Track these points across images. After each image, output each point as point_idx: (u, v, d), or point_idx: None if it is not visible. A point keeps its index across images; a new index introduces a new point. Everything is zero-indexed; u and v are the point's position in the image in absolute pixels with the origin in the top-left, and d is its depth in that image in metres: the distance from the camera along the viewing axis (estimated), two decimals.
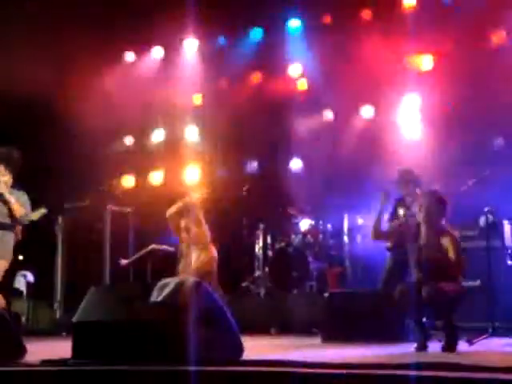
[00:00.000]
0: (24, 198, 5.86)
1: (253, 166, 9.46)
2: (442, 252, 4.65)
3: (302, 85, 9.05)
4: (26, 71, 7.36)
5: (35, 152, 7.48)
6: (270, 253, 8.29)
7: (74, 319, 4.02)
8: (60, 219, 8.56)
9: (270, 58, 9.13)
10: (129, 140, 9.73)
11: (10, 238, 5.79)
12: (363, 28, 8.40)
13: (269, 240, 8.40)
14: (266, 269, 8.19)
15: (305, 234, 8.14)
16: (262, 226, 8.42)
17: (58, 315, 8.32)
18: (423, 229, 4.81)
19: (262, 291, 8.00)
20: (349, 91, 8.27)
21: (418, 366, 3.33)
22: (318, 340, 5.86)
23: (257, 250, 8.43)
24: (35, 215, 7.92)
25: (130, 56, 9.57)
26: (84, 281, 8.28)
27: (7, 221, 5.76)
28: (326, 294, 6.12)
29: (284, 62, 9.14)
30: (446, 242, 4.70)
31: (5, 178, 5.75)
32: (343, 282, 7.81)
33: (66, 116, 8.15)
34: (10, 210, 5.72)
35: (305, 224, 8.23)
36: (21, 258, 7.97)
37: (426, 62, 8.29)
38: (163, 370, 3.55)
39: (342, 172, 8.12)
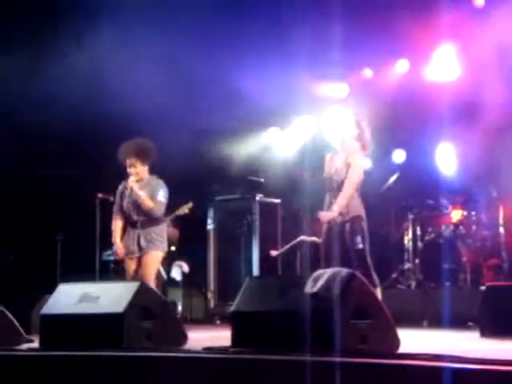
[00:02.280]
0: (158, 188, 6.06)
1: (400, 155, 9.28)
2: None
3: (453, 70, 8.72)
4: None
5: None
6: (419, 244, 8.11)
7: (232, 308, 4.15)
8: (211, 211, 8.85)
9: (414, 44, 8.88)
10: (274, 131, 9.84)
11: (160, 231, 6.09)
12: None
13: (418, 231, 8.22)
14: (416, 260, 8.03)
15: (456, 225, 7.89)
16: (410, 217, 8.26)
17: (211, 304, 8.62)
18: None
19: (413, 283, 7.85)
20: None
21: None
22: (475, 334, 5.66)
23: (406, 241, 8.29)
24: (181, 210, 8.35)
25: None
26: (235, 271, 8.56)
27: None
28: (483, 287, 5.90)
29: (430, 48, 8.86)
30: None
31: (136, 169, 6.01)
32: (500, 275, 7.49)
33: None
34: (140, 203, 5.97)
35: (456, 215, 7.97)
36: (173, 249, 8.34)
37: None
38: (318, 361, 3.57)
39: (496, 160, 7.76)
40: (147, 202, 5.98)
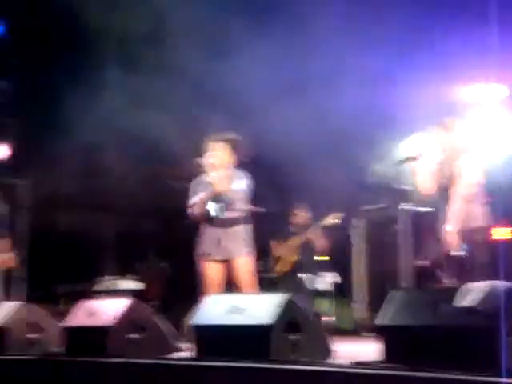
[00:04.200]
0: (244, 178, 5.71)
1: None
2: None
3: None
4: None
5: None
6: None
7: (378, 321, 4.02)
8: (358, 221, 8.75)
9: None
10: None
11: (243, 230, 5.63)
12: None
13: None
14: None
15: None
16: None
17: (360, 315, 8.48)
18: None
19: None
20: None
21: None
22: None
23: None
24: (329, 220, 8.25)
25: None
26: (383, 282, 8.37)
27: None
28: None
29: None
30: None
31: (218, 153, 5.70)
32: None
33: None
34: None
35: None
36: (323, 259, 8.32)
37: None
38: (480, 381, 3.37)
39: None
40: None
